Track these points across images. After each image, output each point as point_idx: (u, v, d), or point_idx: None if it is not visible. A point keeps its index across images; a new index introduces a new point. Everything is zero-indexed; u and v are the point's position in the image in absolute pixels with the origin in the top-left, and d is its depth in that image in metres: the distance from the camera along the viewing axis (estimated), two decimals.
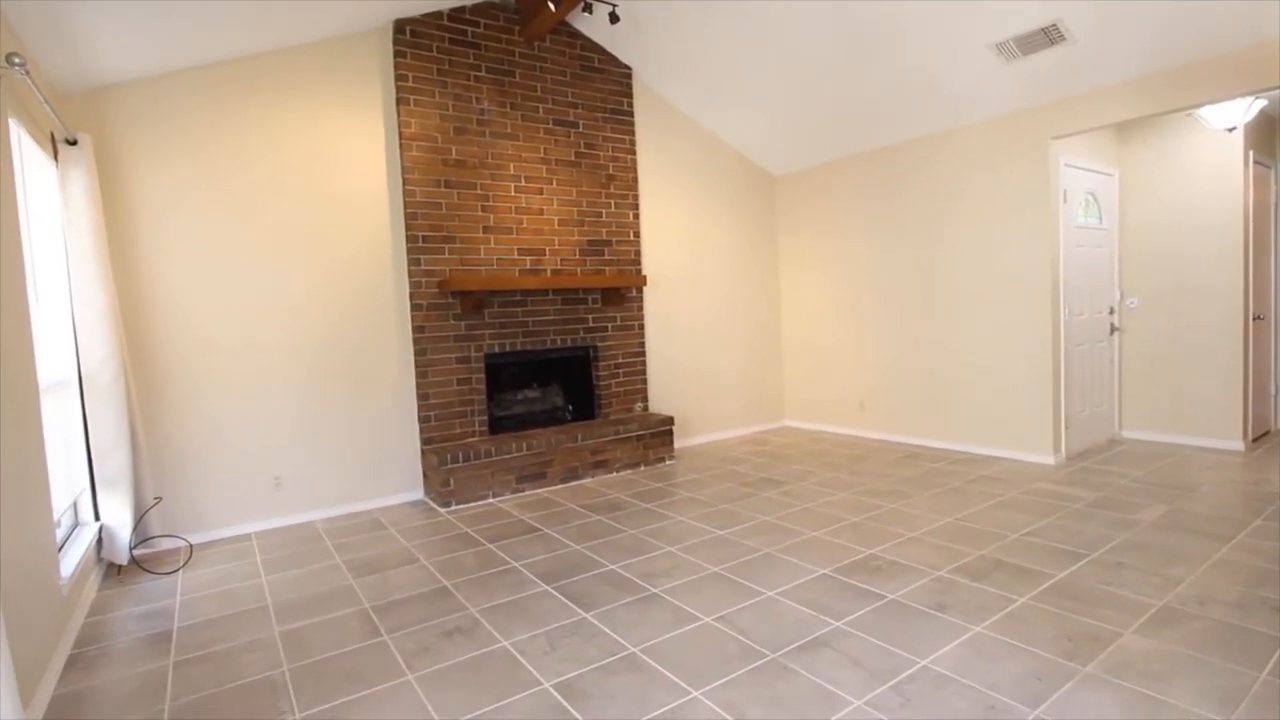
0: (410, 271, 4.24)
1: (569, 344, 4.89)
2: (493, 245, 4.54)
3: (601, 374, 5.05)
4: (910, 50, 4.05)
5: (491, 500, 4.19)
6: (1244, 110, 4.17)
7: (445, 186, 4.35)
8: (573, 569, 2.99)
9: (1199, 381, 4.80)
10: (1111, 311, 5.08)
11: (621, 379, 5.15)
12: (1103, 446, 4.89)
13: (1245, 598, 2.44)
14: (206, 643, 2.47)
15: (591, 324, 4.99)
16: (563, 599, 2.68)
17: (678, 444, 5.51)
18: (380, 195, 4.19)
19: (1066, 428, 4.59)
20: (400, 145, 4.22)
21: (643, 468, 4.87)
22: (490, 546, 3.34)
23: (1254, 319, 4.74)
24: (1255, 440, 4.79)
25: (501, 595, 2.74)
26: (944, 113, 4.64)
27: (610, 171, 5.06)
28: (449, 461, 4.05)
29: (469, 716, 1.93)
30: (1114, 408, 5.14)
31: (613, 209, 5.08)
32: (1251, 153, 4.66)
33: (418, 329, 4.27)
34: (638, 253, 5.21)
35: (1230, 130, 4.49)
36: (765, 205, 6.15)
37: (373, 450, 4.18)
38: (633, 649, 2.26)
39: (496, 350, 4.56)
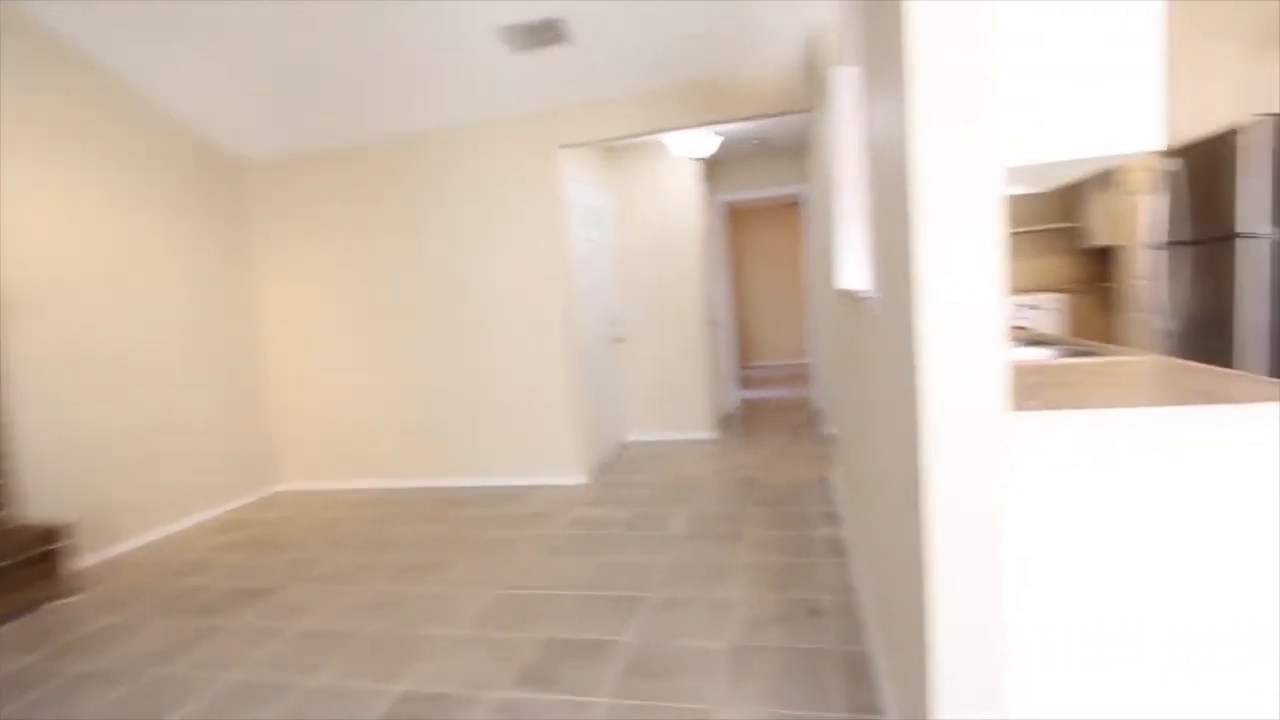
0: None
1: None
2: None
3: None
4: (400, 17, 3.24)
5: None
6: (702, 142, 4.74)
7: None
8: None
9: (680, 382, 5.38)
10: (615, 323, 5.31)
11: None
12: (617, 453, 5.05)
13: (787, 609, 2.39)
14: None
15: None
16: None
17: (99, 556, 3.47)
18: None
19: (589, 443, 4.50)
20: None
21: (10, 624, 2.80)
22: None
23: (711, 323, 5.58)
24: (720, 426, 5.65)
25: None
26: (455, 102, 3.98)
27: None
28: None
29: None
30: (622, 414, 5.41)
31: None
32: (707, 183, 5.44)
33: None
34: None
35: (692, 159, 5.13)
36: (235, 198, 4.51)
37: None
38: None
39: None
